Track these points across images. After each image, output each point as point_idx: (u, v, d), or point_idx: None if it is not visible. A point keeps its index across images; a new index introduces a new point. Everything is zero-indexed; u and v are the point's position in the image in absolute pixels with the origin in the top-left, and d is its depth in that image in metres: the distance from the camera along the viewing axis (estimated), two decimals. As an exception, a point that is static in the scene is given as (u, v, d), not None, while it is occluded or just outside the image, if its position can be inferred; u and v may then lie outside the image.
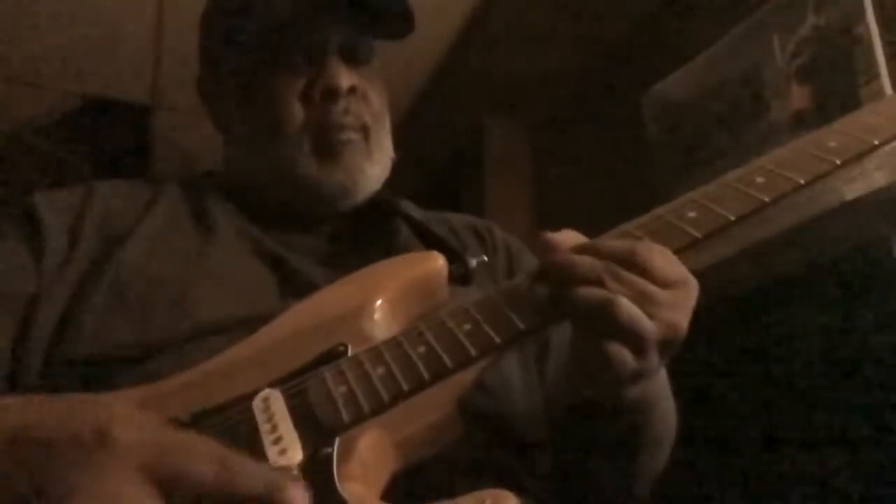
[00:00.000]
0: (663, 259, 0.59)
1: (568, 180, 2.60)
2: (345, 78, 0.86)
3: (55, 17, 2.35)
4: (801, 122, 1.68)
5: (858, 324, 1.42)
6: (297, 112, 0.86)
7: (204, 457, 0.46)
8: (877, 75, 1.54)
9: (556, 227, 0.65)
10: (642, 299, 0.56)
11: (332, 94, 0.85)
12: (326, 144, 0.86)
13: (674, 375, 0.75)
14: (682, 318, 0.58)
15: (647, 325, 0.56)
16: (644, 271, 0.57)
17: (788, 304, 1.57)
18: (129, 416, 0.48)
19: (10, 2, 2.28)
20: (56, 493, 0.43)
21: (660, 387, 0.70)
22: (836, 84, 1.62)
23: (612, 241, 0.61)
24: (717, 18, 1.97)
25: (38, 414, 0.49)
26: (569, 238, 0.63)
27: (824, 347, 1.47)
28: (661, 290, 0.57)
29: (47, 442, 0.46)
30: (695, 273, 0.62)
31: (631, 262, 0.58)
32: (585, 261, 0.58)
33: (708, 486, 1.61)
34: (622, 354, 0.56)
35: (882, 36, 1.55)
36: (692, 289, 0.60)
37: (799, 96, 1.72)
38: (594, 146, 2.48)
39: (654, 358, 0.58)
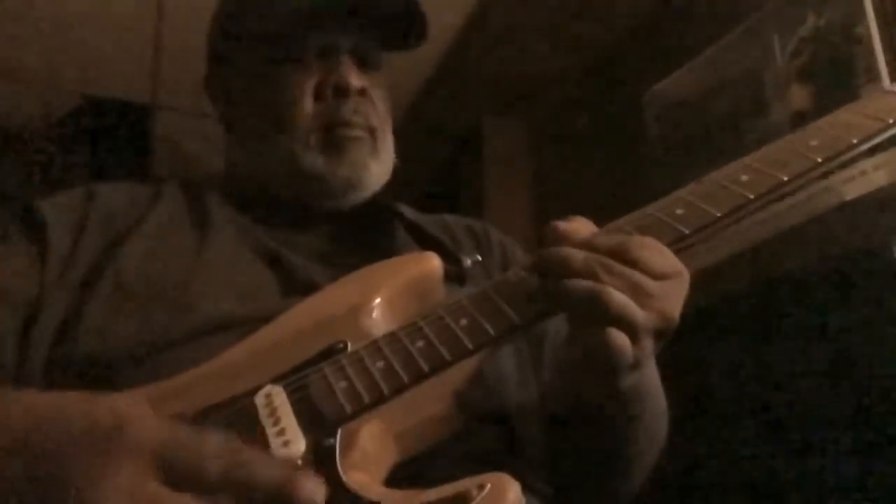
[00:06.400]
0: (655, 252, 0.62)
1: (568, 180, 2.61)
2: (355, 78, 0.88)
3: (55, 18, 2.36)
4: (801, 122, 1.69)
5: (858, 324, 1.42)
6: (308, 107, 0.87)
7: (216, 452, 0.46)
8: (877, 75, 1.54)
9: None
10: (635, 290, 0.59)
11: (343, 91, 0.87)
12: (333, 140, 0.87)
13: (674, 375, 0.75)
14: (673, 308, 0.61)
15: (639, 314, 0.59)
16: (636, 264, 0.60)
17: (788, 304, 1.57)
18: (144, 413, 0.48)
19: (11, 2, 2.29)
20: (69, 487, 0.44)
21: (652, 382, 0.73)
22: (836, 84, 1.62)
23: (605, 237, 0.64)
24: (717, 18, 1.98)
25: (51, 409, 0.50)
26: (581, 227, 0.66)
27: (824, 347, 1.47)
28: (653, 281, 0.60)
29: (60, 438, 0.46)
30: (696, 273, 0.64)
31: (623, 256, 0.61)
32: (578, 255, 0.61)
33: (707, 486, 1.61)
34: (620, 339, 0.58)
35: (882, 36, 1.56)
36: (684, 280, 0.63)
37: (799, 96, 1.72)
38: (594, 146, 2.48)
39: (647, 345, 0.61)
